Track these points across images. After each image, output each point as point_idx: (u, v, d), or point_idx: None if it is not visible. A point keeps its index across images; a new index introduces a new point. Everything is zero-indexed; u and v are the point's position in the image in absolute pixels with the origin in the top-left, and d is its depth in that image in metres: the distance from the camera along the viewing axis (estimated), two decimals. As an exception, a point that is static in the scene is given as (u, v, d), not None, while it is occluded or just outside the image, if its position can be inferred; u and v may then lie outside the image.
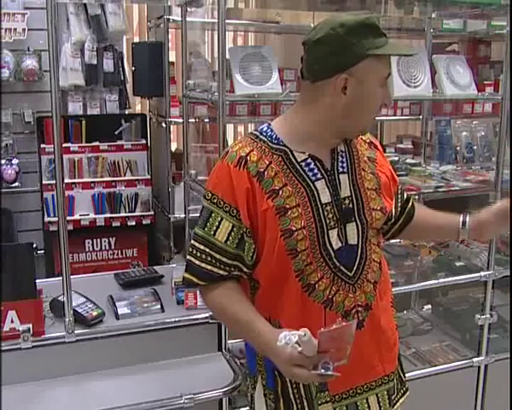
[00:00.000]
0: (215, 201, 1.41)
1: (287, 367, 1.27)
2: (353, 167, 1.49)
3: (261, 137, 1.44)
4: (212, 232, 1.41)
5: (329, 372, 1.23)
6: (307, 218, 1.39)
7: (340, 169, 1.46)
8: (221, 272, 1.43)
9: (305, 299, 1.42)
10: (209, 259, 1.42)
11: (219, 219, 1.40)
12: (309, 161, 1.42)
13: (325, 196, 1.42)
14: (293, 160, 1.41)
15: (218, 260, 1.42)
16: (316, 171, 1.42)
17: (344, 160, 1.47)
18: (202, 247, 1.43)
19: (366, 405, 1.50)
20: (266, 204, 1.37)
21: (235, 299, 1.43)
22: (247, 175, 1.38)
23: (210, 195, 1.42)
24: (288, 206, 1.38)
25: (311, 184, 1.41)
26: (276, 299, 1.45)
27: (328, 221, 1.41)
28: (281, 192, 1.38)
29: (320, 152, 1.44)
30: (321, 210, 1.40)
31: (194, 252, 1.44)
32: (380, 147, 1.62)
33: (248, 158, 1.39)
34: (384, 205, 1.53)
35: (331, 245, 1.41)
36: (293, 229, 1.37)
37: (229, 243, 1.40)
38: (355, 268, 1.44)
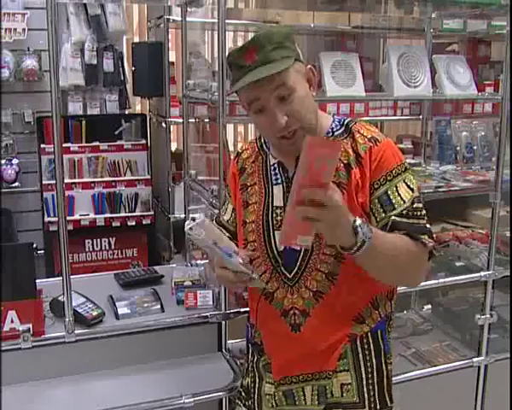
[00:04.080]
0: (227, 188, 1.71)
1: (218, 270, 1.46)
2: None
3: (262, 140, 1.62)
4: (223, 213, 1.70)
5: (254, 275, 1.42)
6: (258, 215, 1.53)
7: None
8: None
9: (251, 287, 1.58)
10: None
11: (227, 202, 1.69)
12: (276, 166, 1.55)
13: (278, 201, 1.52)
14: (267, 163, 1.57)
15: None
16: (278, 176, 1.54)
17: None
18: (218, 224, 1.67)
19: (302, 394, 1.53)
20: (238, 194, 1.61)
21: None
22: (236, 166, 1.64)
23: (226, 184, 1.73)
24: (249, 201, 1.57)
25: (270, 188, 1.54)
26: None
27: (275, 222, 1.51)
28: (249, 189, 1.58)
29: (287, 160, 1.52)
30: (270, 211, 1.52)
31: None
32: (386, 143, 1.45)
33: (242, 154, 1.64)
34: None
35: (275, 245, 1.50)
36: (247, 221, 1.56)
37: (230, 222, 1.66)
38: (294, 272, 1.48)
